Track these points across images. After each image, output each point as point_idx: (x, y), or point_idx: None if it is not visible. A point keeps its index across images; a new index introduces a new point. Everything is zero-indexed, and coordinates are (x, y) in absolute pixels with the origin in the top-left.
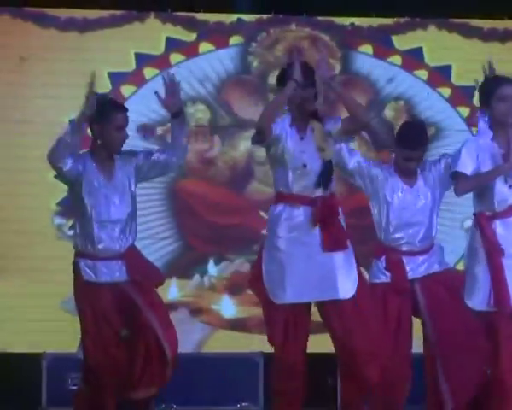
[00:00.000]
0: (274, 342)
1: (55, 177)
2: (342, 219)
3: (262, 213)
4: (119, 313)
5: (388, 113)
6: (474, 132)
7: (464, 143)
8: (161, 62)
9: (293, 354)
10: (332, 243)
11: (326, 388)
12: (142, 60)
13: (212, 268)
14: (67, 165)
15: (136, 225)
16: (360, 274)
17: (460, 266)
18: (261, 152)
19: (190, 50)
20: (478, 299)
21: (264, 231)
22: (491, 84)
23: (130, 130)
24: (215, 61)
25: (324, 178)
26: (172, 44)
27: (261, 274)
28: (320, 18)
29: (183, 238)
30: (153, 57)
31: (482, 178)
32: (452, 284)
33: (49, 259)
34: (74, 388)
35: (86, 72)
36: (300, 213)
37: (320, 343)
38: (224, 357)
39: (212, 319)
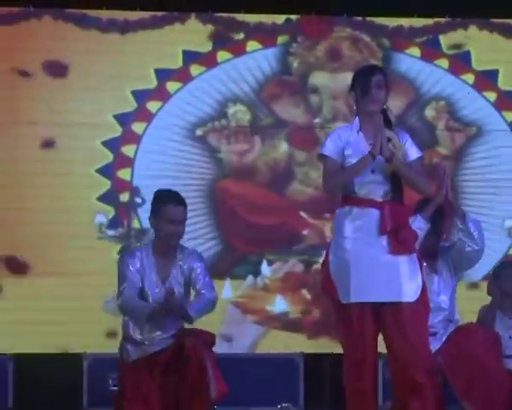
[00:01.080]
0: (343, 341)
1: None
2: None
3: (302, 214)
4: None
5: (429, 112)
6: None
7: None
8: (208, 60)
9: (361, 353)
10: (399, 246)
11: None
12: (190, 57)
13: (265, 269)
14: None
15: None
16: (423, 279)
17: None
18: (302, 153)
19: (237, 49)
20: None
21: (305, 232)
22: None
23: (174, 129)
24: (256, 62)
25: (392, 185)
26: (218, 44)
27: (330, 274)
28: (360, 18)
29: (223, 239)
30: (199, 55)
31: None
32: None
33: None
34: (115, 388)
35: (129, 72)
36: (366, 215)
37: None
38: (265, 358)
39: (265, 320)
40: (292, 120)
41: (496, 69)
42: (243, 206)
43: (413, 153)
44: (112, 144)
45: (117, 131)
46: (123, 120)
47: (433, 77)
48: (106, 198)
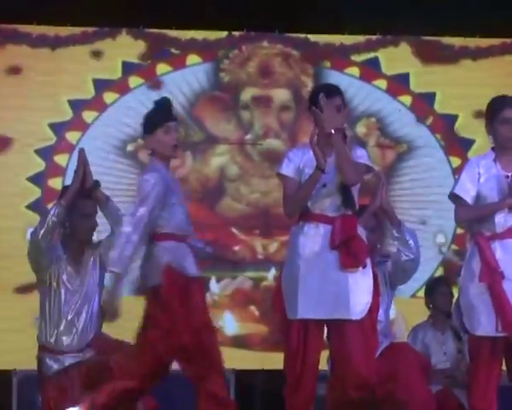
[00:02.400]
0: (284, 357)
1: (32, 264)
2: (363, 237)
3: (234, 230)
4: None
5: (359, 129)
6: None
7: (466, 164)
8: (120, 86)
9: (299, 369)
10: (350, 260)
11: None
12: (128, 69)
13: (213, 286)
14: (48, 246)
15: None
16: (375, 294)
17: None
18: (233, 169)
19: (176, 62)
20: (481, 324)
21: (236, 248)
22: (495, 106)
23: (107, 143)
24: (187, 78)
25: (344, 198)
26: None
27: (281, 290)
28: (292, 35)
29: None
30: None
31: (484, 211)
32: None
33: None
34: None
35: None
36: (319, 231)
37: None
38: None
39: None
40: (223, 136)
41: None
42: None
43: (362, 157)
44: (38, 179)
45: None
46: (57, 128)
47: (364, 93)
48: (35, 206)
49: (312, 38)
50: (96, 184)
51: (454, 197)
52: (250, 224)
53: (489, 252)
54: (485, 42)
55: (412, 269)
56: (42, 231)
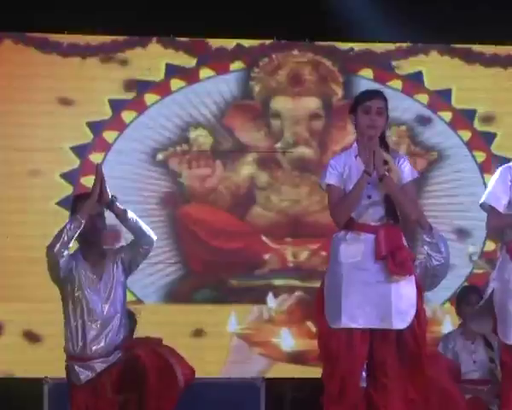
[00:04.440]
0: (326, 367)
1: (51, 276)
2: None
3: (264, 238)
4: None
5: (391, 138)
6: (477, 157)
7: (497, 171)
8: (162, 89)
9: (341, 379)
10: (397, 268)
11: None
12: (143, 86)
13: (271, 301)
14: (64, 259)
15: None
16: (419, 304)
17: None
18: (263, 177)
19: (191, 76)
20: None
21: (266, 256)
22: None
23: (133, 157)
24: (217, 86)
25: (388, 208)
26: (173, 70)
27: (322, 299)
28: (322, 43)
29: (185, 263)
30: (153, 83)
31: None
32: None
33: None
34: None
35: (87, 98)
36: (361, 240)
37: None
38: (226, 382)
39: (271, 352)
40: (253, 145)
41: (449, 89)
42: (205, 230)
43: (406, 175)
44: (71, 176)
45: (75, 162)
46: (80, 151)
47: (396, 102)
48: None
49: (342, 46)
50: (113, 199)
51: (485, 206)
52: (280, 232)
53: None
54: None
55: (442, 274)
56: (58, 245)
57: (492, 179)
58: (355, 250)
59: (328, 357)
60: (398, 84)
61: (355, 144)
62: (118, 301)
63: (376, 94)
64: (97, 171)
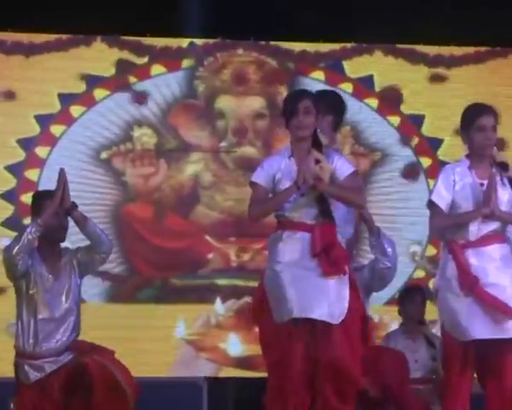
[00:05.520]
0: (269, 363)
1: (7, 274)
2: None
3: (207, 238)
4: None
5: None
6: (421, 161)
7: (441, 170)
8: (111, 84)
9: (285, 376)
10: (331, 267)
11: None
12: (93, 81)
13: (218, 306)
14: (21, 260)
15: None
16: (356, 300)
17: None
18: (207, 176)
19: (140, 73)
20: (465, 329)
21: (210, 256)
22: (471, 113)
23: (79, 152)
24: (162, 85)
25: (322, 206)
26: (122, 68)
27: (262, 299)
28: (266, 42)
29: (129, 262)
30: (103, 79)
31: (459, 219)
32: None
33: None
34: None
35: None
36: (297, 239)
37: None
38: (168, 382)
39: (218, 357)
40: (197, 144)
41: (400, 93)
42: (148, 229)
43: (344, 170)
44: (16, 169)
45: (20, 155)
46: (26, 144)
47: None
48: (9, 223)
49: (287, 45)
50: (74, 205)
51: (430, 204)
52: (224, 231)
53: (464, 259)
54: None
55: (389, 277)
56: (16, 248)
57: (438, 178)
58: (291, 249)
59: (272, 355)
60: (348, 86)
61: (289, 145)
62: (72, 301)
63: (302, 94)
64: (60, 175)
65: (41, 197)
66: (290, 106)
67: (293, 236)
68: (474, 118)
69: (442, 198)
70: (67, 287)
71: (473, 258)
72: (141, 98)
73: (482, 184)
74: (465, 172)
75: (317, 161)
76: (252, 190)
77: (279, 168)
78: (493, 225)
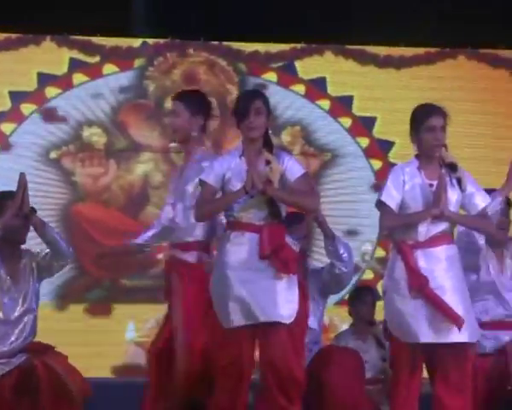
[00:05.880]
0: (217, 367)
1: None
2: (292, 244)
3: None
4: None
5: (284, 138)
6: (372, 163)
7: (391, 170)
8: (63, 83)
9: (236, 376)
10: (281, 267)
11: None
12: (44, 80)
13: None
14: None
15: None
16: (303, 301)
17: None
18: (157, 176)
19: (92, 72)
20: (413, 332)
21: (159, 255)
22: (420, 114)
23: (29, 151)
24: (112, 85)
25: (271, 207)
26: (74, 67)
27: (210, 301)
28: (217, 43)
29: (78, 262)
30: (54, 77)
31: (409, 219)
32: None
33: None
34: None
35: None
36: (246, 240)
37: None
38: (116, 383)
39: None
40: (147, 144)
41: (350, 95)
42: (98, 230)
43: (294, 172)
44: None
45: None
46: None
47: (289, 102)
48: None
49: (237, 46)
50: (33, 210)
51: (380, 204)
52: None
53: (413, 260)
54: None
55: (346, 281)
56: None
57: (387, 178)
58: (239, 250)
59: (219, 354)
60: (301, 88)
61: (240, 144)
62: (29, 303)
63: (253, 94)
64: (20, 179)
65: (3, 197)
66: (241, 106)
67: (242, 236)
68: (424, 118)
69: (392, 198)
70: (25, 290)
71: (421, 259)
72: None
73: (431, 185)
74: (414, 172)
75: (268, 162)
76: (200, 189)
77: (229, 168)
78: (442, 226)
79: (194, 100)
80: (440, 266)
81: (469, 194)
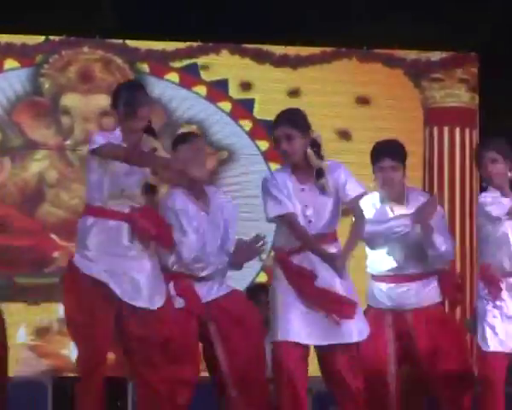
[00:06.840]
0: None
1: None
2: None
3: (53, 236)
4: None
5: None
6: (270, 166)
7: (267, 183)
8: None
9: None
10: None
11: None
12: None
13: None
14: None
15: None
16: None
17: None
18: (52, 174)
19: None
20: (291, 331)
21: (55, 254)
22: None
23: None
24: (7, 82)
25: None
26: None
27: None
28: (113, 41)
29: None
30: None
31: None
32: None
33: None
34: None
35: None
36: (112, 226)
37: None
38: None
39: (60, 363)
40: (43, 142)
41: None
42: None
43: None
44: None
45: None
46: None
47: (187, 102)
48: None
49: (132, 43)
50: None
51: (280, 218)
52: (70, 230)
53: (292, 263)
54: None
55: None
56: None
57: (267, 193)
58: (105, 237)
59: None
60: (202, 89)
61: (118, 133)
62: None
63: (137, 85)
64: None
65: None
66: (126, 98)
67: (107, 222)
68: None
69: (286, 204)
70: None
71: (304, 261)
72: None
73: (303, 189)
74: (285, 177)
75: (154, 149)
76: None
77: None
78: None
79: None
80: (324, 266)
81: (342, 184)
